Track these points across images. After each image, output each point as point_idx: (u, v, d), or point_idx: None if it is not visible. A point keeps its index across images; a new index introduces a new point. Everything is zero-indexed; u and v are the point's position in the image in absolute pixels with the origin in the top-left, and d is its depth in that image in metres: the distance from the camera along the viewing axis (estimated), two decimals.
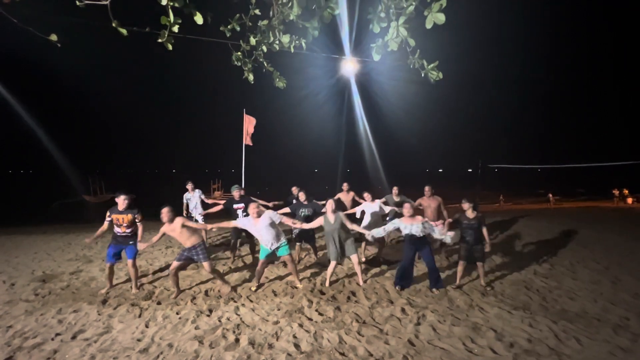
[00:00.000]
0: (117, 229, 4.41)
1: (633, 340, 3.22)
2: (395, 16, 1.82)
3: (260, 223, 4.38)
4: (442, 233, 4.34)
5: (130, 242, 4.45)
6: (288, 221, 4.60)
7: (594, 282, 4.80)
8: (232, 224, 4.59)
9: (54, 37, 1.90)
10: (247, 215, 5.40)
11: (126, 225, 4.38)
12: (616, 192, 17.85)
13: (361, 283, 4.65)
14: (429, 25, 1.71)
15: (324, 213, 4.84)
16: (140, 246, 4.24)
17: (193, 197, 6.51)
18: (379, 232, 4.48)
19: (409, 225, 4.35)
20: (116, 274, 5.13)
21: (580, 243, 7.15)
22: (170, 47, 1.91)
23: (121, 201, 4.36)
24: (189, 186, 6.57)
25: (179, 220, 4.14)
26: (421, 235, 4.33)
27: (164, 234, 4.20)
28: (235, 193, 5.71)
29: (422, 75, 2.04)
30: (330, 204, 4.56)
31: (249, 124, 9.17)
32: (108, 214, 4.40)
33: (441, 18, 1.69)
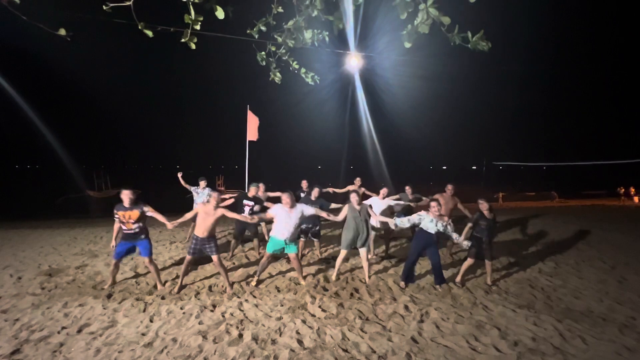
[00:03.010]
0: (123, 227, 4.26)
1: (639, 340, 3.19)
2: None
3: (294, 212, 4.44)
4: (459, 239, 4.33)
5: (142, 237, 4.35)
6: (323, 214, 4.64)
7: (600, 281, 4.76)
8: (270, 213, 4.54)
9: (62, 32, 1.84)
10: (252, 213, 5.45)
11: (132, 222, 4.23)
12: (622, 190, 17.51)
13: (367, 279, 4.67)
14: None
15: (330, 210, 4.95)
16: (170, 225, 4.21)
17: (201, 194, 6.58)
18: (403, 222, 4.48)
19: (435, 220, 4.34)
20: (120, 269, 5.17)
21: (586, 242, 7.09)
22: (193, 46, 1.85)
23: (126, 197, 4.21)
24: (202, 182, 6.65)
25: (220, 210, 4.30)
26: (439, 232, 4.32)
27: (197, 213, 4.34)
28: (252, 190, 5.76)
29: (471, 48, 1.82)
30: (354, 196, 4.67)
31: (253, 120, 9.17)
32: (115, 211, 4.24)
33: None
